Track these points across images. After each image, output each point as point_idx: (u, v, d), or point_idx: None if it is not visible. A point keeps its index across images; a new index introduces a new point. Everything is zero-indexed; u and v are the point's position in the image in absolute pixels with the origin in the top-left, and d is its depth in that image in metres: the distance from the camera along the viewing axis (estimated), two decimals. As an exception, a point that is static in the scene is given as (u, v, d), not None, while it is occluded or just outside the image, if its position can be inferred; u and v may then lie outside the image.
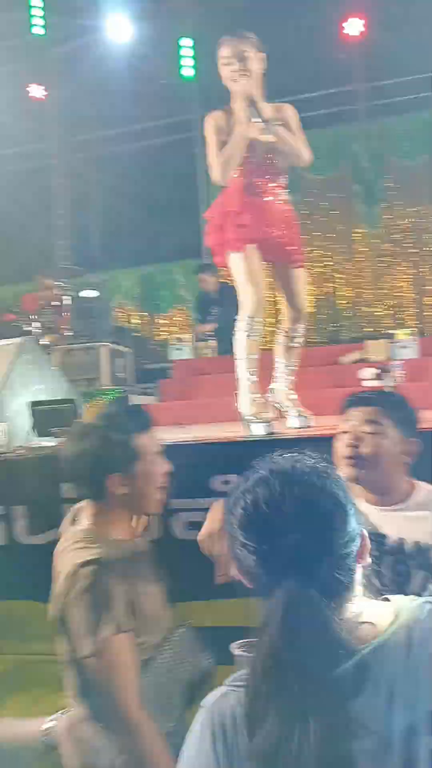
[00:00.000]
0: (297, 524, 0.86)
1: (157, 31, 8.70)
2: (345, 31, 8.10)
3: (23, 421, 2.59)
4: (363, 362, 5.25)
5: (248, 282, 2.60)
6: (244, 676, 0.86)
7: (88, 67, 8.98)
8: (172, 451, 2.22)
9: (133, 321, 8.51)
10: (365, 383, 4.69)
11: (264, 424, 2.62)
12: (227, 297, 6.74)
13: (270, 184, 2.74)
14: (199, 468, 2.24)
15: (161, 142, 9.24)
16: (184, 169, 9.16)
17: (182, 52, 8.21)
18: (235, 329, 2.67)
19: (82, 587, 1.43)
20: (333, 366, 5.41)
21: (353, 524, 0.90)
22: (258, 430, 2.62)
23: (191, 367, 6.12)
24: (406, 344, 5.52)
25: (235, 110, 2.65)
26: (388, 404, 1.65)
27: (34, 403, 2.43)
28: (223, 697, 0.88)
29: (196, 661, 1.63)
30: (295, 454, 0.96)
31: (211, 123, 2.74)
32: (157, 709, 1.45)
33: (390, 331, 5.67)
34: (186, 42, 8.19)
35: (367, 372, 5.01)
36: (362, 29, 8.02)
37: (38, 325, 5.84)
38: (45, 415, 2.40)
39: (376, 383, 4.71)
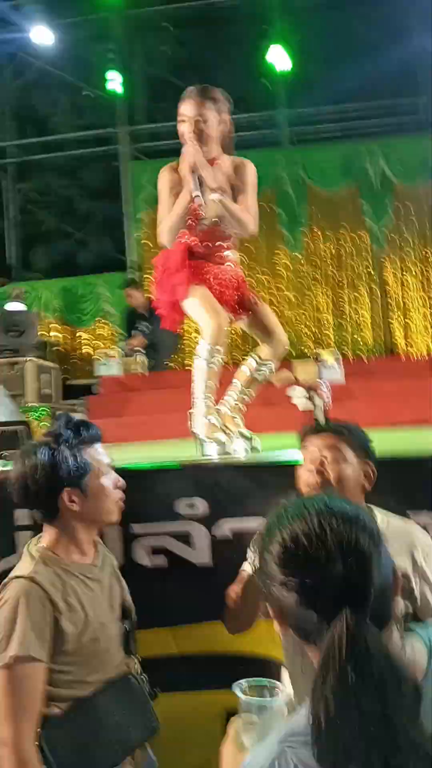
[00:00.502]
0: (340, 558, 0.86)
1: (84, 43, 8.64)
2: (271, 59, 8.31)
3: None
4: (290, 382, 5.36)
5: (206, 311, 2.52)
6: (300, 727, 0.81)
7: (9, 73, 8.74)
8: (131, 473, 2.22)
9: (52, 334, 8.23)
10: (295, 402, 4.78)
11: (219, 446, 2.58)
12: (154, 312, 6.71)
13: (215, 248, 2.68)
14: (161, 491, 2.16)
15: (85, 153, 9.09)
16: (108, 182, 9.08)
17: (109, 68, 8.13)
18: (196, 355, 2.59)
19: (3, 599, 1.41)
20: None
21: (388, 558, 0.92)
22: (212, 452, 2.57)
23: (120, 383, 6.00)
24: (332, 366, 5.70)
25: (182, 175, 2.58)
26: (345, 431, 1.70)
27: (-21, 426, 2.26)
28: (282, 758, 0.81)
29: (141, 718, 1.54)
30: (321, 495, 1.00)
31: (164, 177, 2.61)
32: (78, 753, 1.39)
33: (318, 352, 5.83)
34: (111, 56, 8.14)
35: (297, 391, 5.12)
36: (287, 59, 8.28)
37: None
38: (-6, 439, 2.24)
39: (305, 403, 4.81)
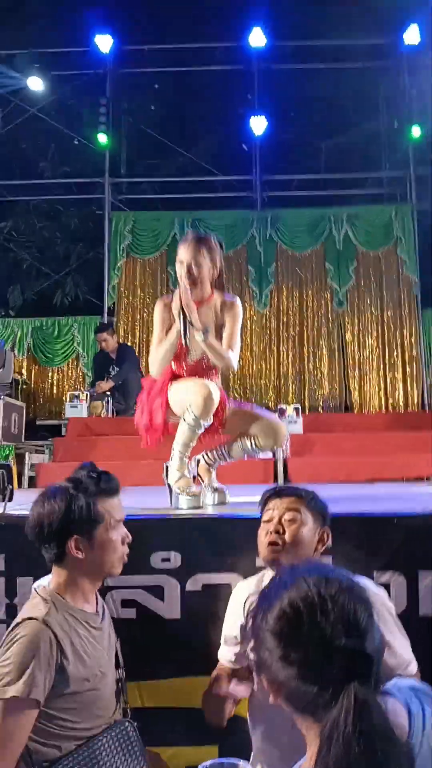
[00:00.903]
0: (342, 629, 0.86)
1: (75, 95, 9.03)
2: (251, 126, 8.85)
3: None
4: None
5: (194, 386, 2.67)
6: None
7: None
8: None
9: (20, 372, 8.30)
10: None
11: (192, 498, 2.75)
12: (125, 357, 6.91)
13: (212, 378, 2.90)
14: (137, 542, 2.27)
15: (70, 198, 9.37)
16: (90, 228, 9.35)
17: (100, 119, 8.50)
18: (183, 419, 2.77)
19: (18, 635, 1.46)
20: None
21: (377, 628, 0.92)
22: (185, 504, 2.74)
23: (86, 426, 6.10)
24: (293, 419, 5.98)
25: (173, 312, 2.81)
26: (305, 495, 1.76)
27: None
28: None
29: (136, 764, 1.59)
30: (314, 563, 1.04)
31: (159, 309, 2.86)
32: None
33: (282, 406, 6.09)
34: (103, 110, 8.53)
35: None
36: (265, 127, 8.83)
37: None
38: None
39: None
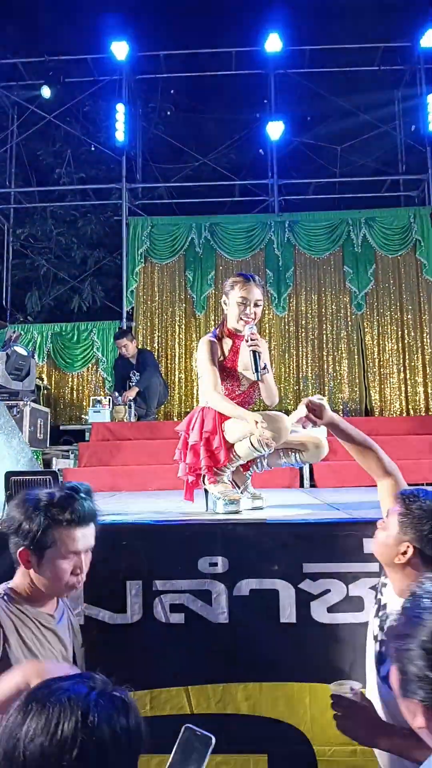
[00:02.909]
0: None
1: (91, 101, 9.08)
2: (268, 131, 8.86)
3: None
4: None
5: (272, 420, 2.64)
6: None
7: (16, 123, 9.08)
8: (151, 531, 2.32)
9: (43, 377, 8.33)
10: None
11: (231, 503, 2.74)
12: (146, 363, 6.92)
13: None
14: (182, 548, 2.26)
15: (86, 204, 9.42)
16: (107, 233, 9.39)
17: (116, 125, 8.55)
18: (249, 441, 2.75)
19: None
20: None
21: None
22: (224, 509, 2.73)
23: (108, 430, 6.10)
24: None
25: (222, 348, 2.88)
26: (402, 507, 1.73)
27: (10, 473, 2.40)
28: None
29: None
30: None
31: (207, 346, 2.89)
32: None
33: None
34: (119, 116, 8.57)
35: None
36: (281, 131, 8.84)
37: None
38: (22, 487, 2.37)
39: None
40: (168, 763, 1.21)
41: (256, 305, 2.85)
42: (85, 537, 1.62)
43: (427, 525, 1.66)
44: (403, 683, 0.90)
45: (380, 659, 1.73)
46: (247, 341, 2.76)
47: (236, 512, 2.74)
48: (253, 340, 2.73)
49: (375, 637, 1.79)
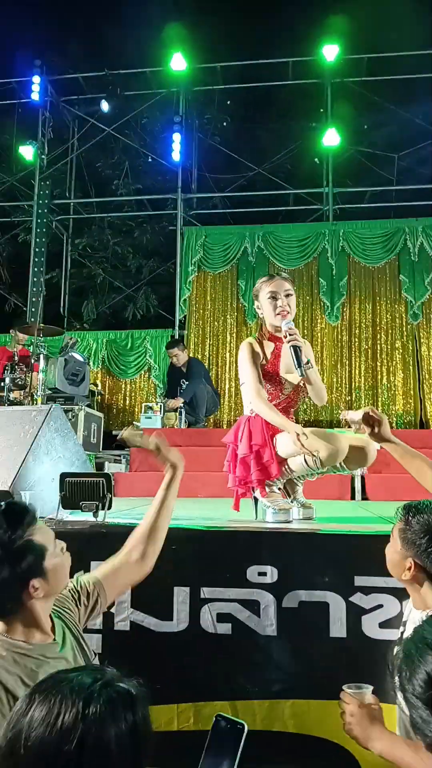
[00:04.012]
0: None
1: (149, 114, 9.26)
2: (324, 140, 8.82)
3: (45, 491, 2.59)
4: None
5: (320, 439, 2.56)
6: None
7: (76, 136, 9.34)
8: (201, 536, 2.30)
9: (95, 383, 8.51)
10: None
11: (281, 512, 2.69)
12: (194, 372, 6.96)
13: (289, 417, 2.87)
14: (230, 556, 2.21)
15: (142, 214, 9.60)
16: (161, 243, 9.53)
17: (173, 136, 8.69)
18: (304, 459, 2.69)
19: None
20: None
21: None
22: (273, 518, 2.69)
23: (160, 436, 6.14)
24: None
25: (264, 350, 2.82)
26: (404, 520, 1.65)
27: (65, 475, 2.44)
28: None
29: None
30: None
31: (248, 350, 2.84)
32: None
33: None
34: (176, 136, 8.72)
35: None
36: (337, 140, 8.78)
37: (8, 380, 5.75)
38: (76, 488, 2.41)
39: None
40: (203, 754, 1.23)
41: (287, 295, 2.77)
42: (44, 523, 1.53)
43: (424, 539, 1.58)
44: (411, 722, 0.88)
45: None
46: (285, 337, 2.69)
47: (286, 522, 2.70)
48: (292, 335, 2.66)
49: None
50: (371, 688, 1.58)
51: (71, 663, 1.49)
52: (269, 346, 2.86)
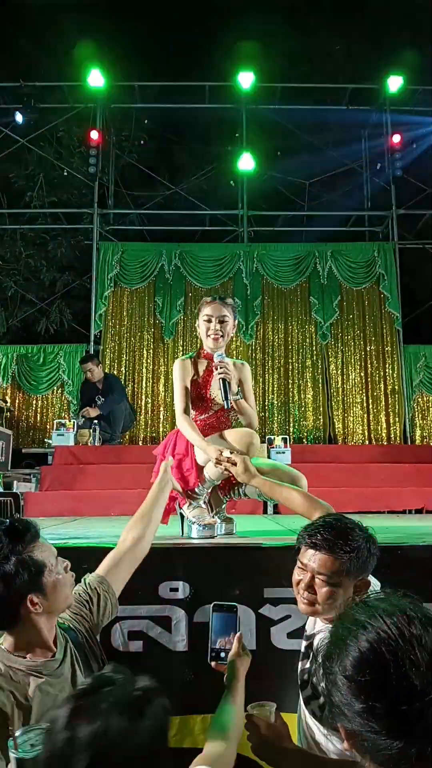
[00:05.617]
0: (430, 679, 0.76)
1: (65, 127, 9.15)
2: (239, 164, 9.07)
3: None
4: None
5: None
6: None
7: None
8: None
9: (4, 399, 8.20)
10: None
11: (206, 527, 2.72)
12: (111, 388, 6.89)
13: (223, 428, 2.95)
14: (142, 573, 2.20)
15: (57, 227, 9.43)
16: (77, 257, 9.40)
17: (90, 151, 8.63)
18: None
19: None
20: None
21: None
22: (198, 534, 2.71)
23: (72, 454, 6.02)
24: (281, 449, 6.00)
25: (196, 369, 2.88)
26: (342, 556, 1.56)
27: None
28: None
29: None
30: (388, 595, 0.89)
31: (180, 367, 2.90)
32: None
33: (270, 437, 6.11)
34: (92, 143, 8.67)
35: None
36: (252, 164, 9.06)
37: None
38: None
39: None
40: (209, 635, 1.58)
41: (220, 321, 2.83)
42: (46, 541, 1.58)
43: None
44: (329, 707, 0.86)
45: (303, 684, 1.70)
46: (216, 368, 2.77)
47: (211, 537, 2.72)
48: (222, 367, 2.72)
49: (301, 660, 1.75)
50: (275, 705, 1.55)
51: (68, 679, 1.53)
52: (203, 363, 2.93)
